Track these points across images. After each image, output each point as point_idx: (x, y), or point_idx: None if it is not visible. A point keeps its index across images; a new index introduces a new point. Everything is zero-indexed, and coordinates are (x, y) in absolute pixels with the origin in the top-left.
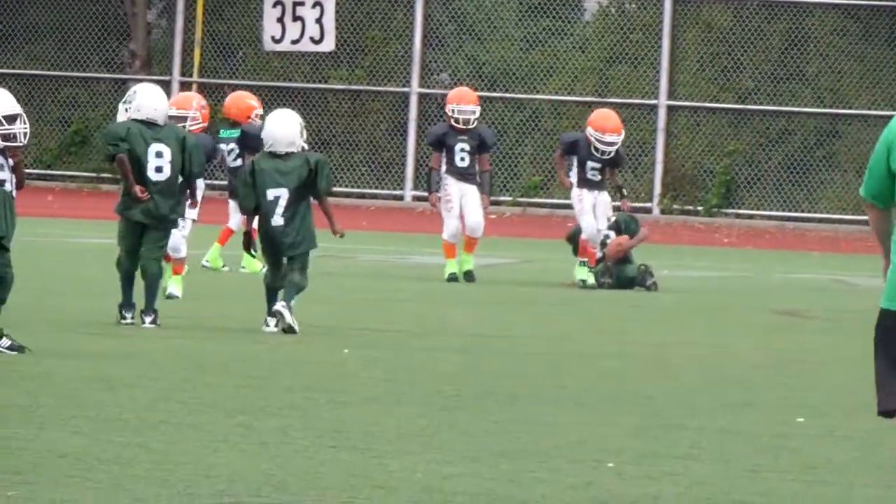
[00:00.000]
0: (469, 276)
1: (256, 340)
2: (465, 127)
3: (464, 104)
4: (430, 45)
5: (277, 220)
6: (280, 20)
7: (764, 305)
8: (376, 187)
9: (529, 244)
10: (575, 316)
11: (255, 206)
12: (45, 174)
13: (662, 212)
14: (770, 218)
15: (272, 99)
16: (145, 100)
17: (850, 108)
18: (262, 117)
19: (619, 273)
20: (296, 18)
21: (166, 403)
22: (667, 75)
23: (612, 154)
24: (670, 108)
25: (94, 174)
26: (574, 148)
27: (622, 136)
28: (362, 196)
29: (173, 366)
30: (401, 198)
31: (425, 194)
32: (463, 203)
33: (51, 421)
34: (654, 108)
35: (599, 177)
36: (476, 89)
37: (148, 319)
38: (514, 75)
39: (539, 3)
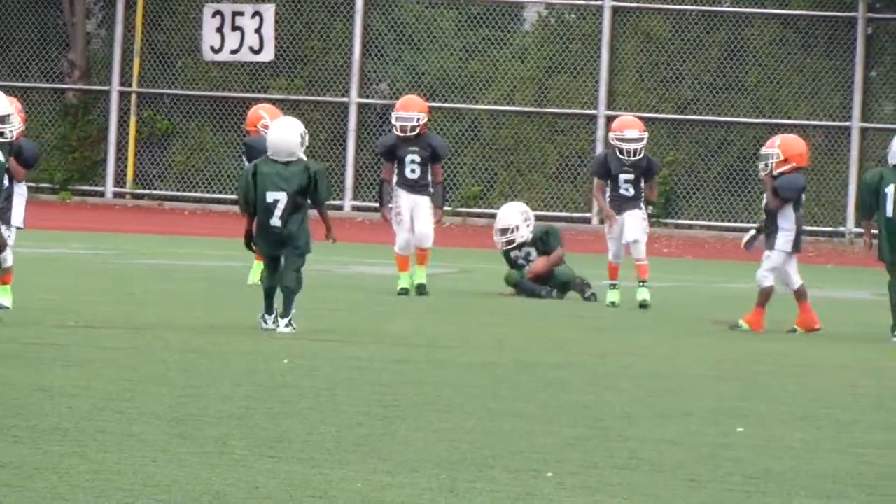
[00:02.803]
0: (421, 289)
1: (195, 350)
2: (406, 135)
3: (404, 111)
4: (369, 55)
5: (276, 220)
6: (219, 30)
7: (704, 315)
8: None
9: (468, 254)
10: (514, 326)
11: (254, 209)
12: None
13: (601, 222)
14: (710, 228)
15: (212, 109)
16: None
17: (789, 118)
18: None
19: (552, 281)
20: (235, 28)
21: (105, 413)
22: (606, 85)
23: (638, 154)
24: (609, 118)
25: (32, 184)
26: (606, 167)
27: (645, 135)
28: None
29: (113, 375)
30: (340, 207)
31: (364, 204)
32: (413, 215)
33: None
34: (593, 117)
35: (632, 191)
36: None
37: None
38: (453, 85)
39: (478, 13)
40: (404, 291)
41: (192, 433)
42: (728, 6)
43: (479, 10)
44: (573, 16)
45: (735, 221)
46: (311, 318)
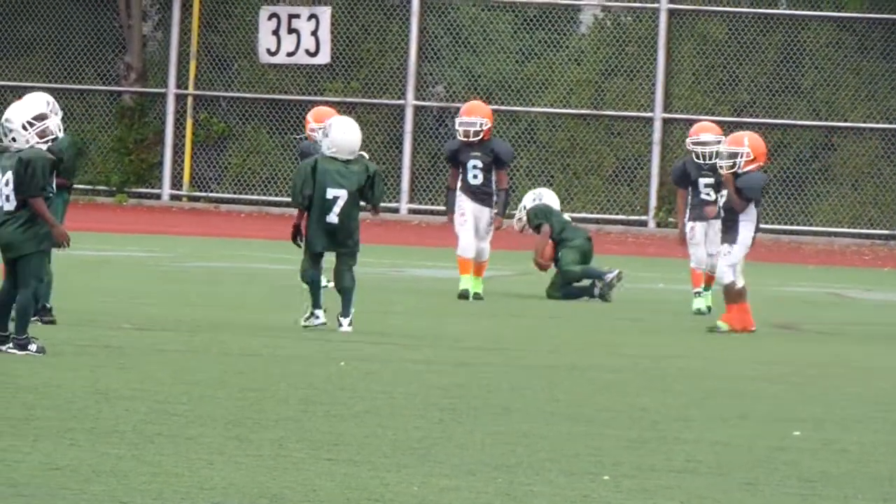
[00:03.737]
0: (476, 296)
1: (253, 353)
2: (470, 140)
3: (467, 116)
4: (425, 58)
5: (332, 217)
6: (275, 32)
7: (760, 318)
8: None
9: (526, 256)
10: (571, 329)
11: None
12: None
13: (658, 225)
14: (766, 231)
15: (268, 111)
16: None
17: (845, 120)
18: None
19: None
20: (291, 31)
21: (162, 416)
22: (662, 88)
23: (715, 157)
24: (666, 121)
25: (89, 186)
26: (685, 175)
27: (722, 138)
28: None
29: (169, 378)
30: (396, 210)
31: (420, 207)
32: (476, 225)
33: (47, 433)
34: (649, 120)
35: (714, 195)
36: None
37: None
38: (509, 88)
39: (535, 16)
40: (465, 294)
41: (248, 436)
42: (784, 9)
43: (535, 12)
44: (629, 18)
45: (791, 224)
46: (367, 321)
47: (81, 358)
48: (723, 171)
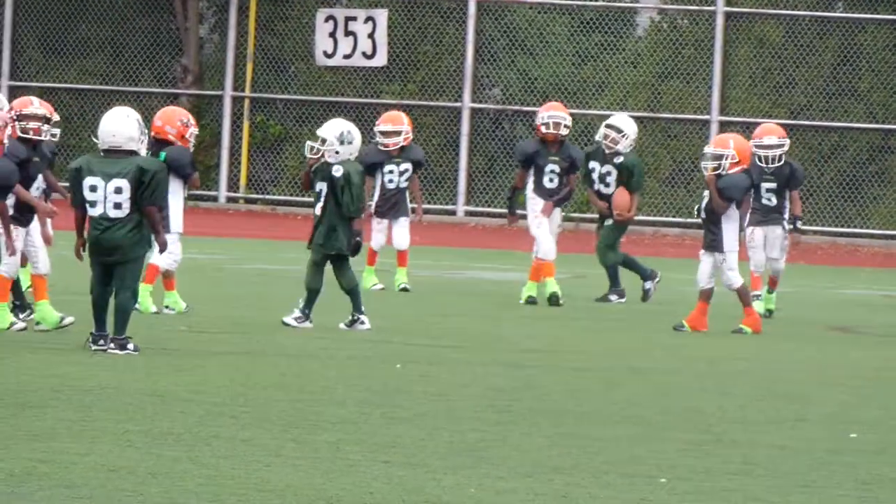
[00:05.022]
0: (553, 298)
1: (309, 355)
2: (555, 133)
3: (554, 110)
4: (481, 60)
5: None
6: (332, 35)
7: (817, 321)
8: (429, 202)
9: (582, 259)
10: (627, 331)
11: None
12: None
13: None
14: (822, 234)
15: (324, 114)
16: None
17: None
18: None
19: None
20: (348, 33)
21: (218, 418)
22: (719, 91)
23: (778, 160)
24: (722, 124)
25: None
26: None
27: (786, 141)
28: (413, 211)
29: (226, 380)
30: (453, 212)
31: (477, 209)
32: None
33: (103, 435)
34: (706, 123)
35: (775, 200)
36: (528, 104)
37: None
38: (565, 90)
39: (591, 19)
40: (556, 298)
41: (305, 438)
42: (841, 11)
43: (591, 15)
44: (686, 21)
45: (848, 227)
46: (424, 324)
47: (138, 360)
48: (706, 173)
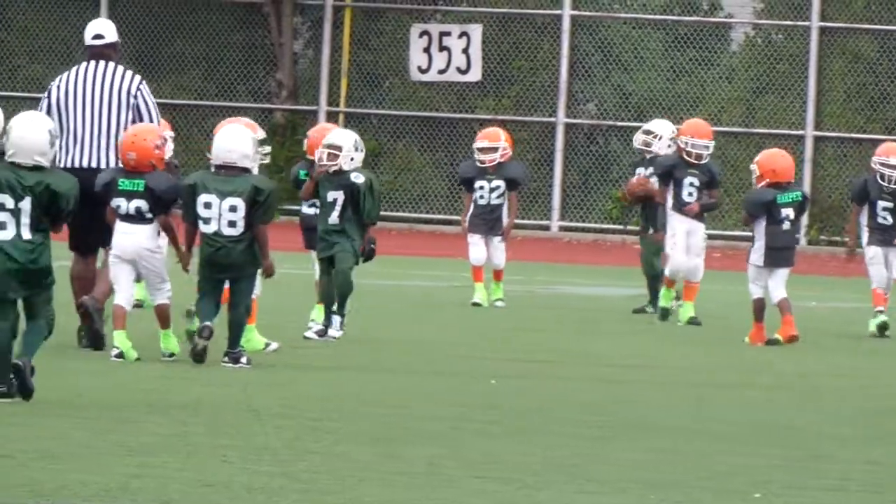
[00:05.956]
0: (693, 321)
1: (405, 370)
2: (697, 162)
3: (698, 138)
4: (576, 75)
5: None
6: (426, 50)
7: None
8: (523, 217)
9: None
10: (719, 346)
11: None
12: None
13: (809, 242)
14: None
15: (419, 129)
16: None
17: None
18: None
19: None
20: (442, 49)
21: (313, 433)
22: (813, 105)
23: None
24: (817, 139)
25: None
26: (864, 192)
27: None
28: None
29: (321, 395)
30: (547, 228)
31: (571, 224)
32: (688, 243)
33: (199, 450)
34: (801, 138)
35: (891, 219)
36: (621, 119)
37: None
38: (660, 105)
39: (685, 34)
40: (695, 321)
41: (400, 453)
42: None
43: (686, 30)
44: (780, 36)
45: None
46: (517, 338)
47: (234, 375)
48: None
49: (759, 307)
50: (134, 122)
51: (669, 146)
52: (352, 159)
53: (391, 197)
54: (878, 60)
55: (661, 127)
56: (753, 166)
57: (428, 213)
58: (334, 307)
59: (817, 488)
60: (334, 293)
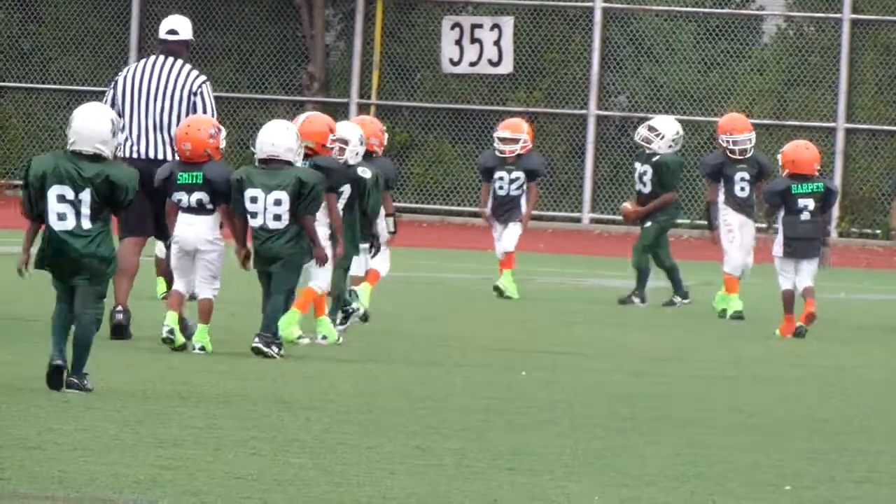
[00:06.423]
0: (738, 314)
1: (434, 362)
2: (742, 157)
3: (737, 134)
4: (607, 68)
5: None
6: (458, 42)
7: None
8: (554, 209)
9: (707, 266)
10: (751, 339)
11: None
12: None
13: (840, 235)
14: None
15: (450, 121)
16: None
17: None
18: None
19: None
20: (474, 41)
21: (344, 425)
22: (845, 98)
23: None
24: (848, 132)
25: None
26: None
27: None
28: (540, 218)
29: (351, 387)
30: (578, 220)
31: (602, 216)
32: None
33: (228, 442)
34: (832, 130)
35: None
36: (653, 111)
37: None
38: (691, 97)
39: (717, 26)
40: (739, 315)
41: (430, 445)
42: None
43: (718, 22)
44: (812, 28)
45: None
46: (549, 331)
47: (264, 367)
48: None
49: (789, 299)
50: None
51: (671, 147)
52: (357, 153)
53: (422, 189)
54: None
55: (666, 125)
56: (778, 156)
57: (459, 205)
58: (347, 298)
59: (847, 480)
60: (344, 286)
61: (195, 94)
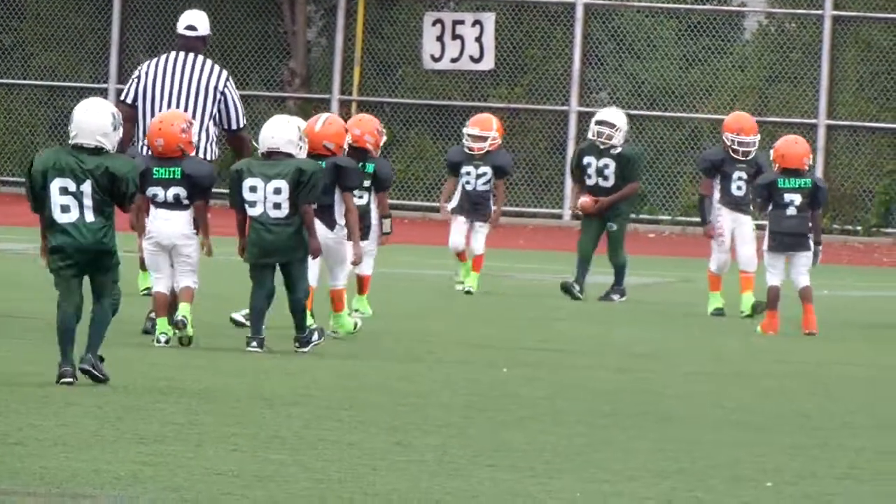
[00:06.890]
0: (758, 307)
1: (415, 358)
2: (744, 159)
3: (745, 135)
4: (589, 64)
5: None
6: (439, 38)
7: None
8: (535, 206)
9: (688, 263)
10: (733, 335)
11: None
12: None
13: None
14: None
15: (432, 117)
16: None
17: None
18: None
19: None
20: (455, 37)
21: (325, 422)
22: (826, 94)
23: None
24: (830, 128)
25: None
26: None
27: None
28: (521, 215)
29: (332, 384)
30: (559, 216)
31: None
32: (735, 234)
33: (209, 438)
34: (813, 127)
35: None
36: (634, 108)
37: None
38: (673, 94)
39: (698, 22)
40: (719, 312)
41: (411, 442)
42: None
43: (699, 19)
44: (793, 25)
45: None
46: (531, 327)
47: (246, 363)
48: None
49: (774, 296)
50: (219, 116)
51: (625, 139)
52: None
53: (403, 185)
54: (891, 49)
55: (618, 118)
56: (771, 151)
57: (440, 201)
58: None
59: (828, 476)
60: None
61: (221, 92)
